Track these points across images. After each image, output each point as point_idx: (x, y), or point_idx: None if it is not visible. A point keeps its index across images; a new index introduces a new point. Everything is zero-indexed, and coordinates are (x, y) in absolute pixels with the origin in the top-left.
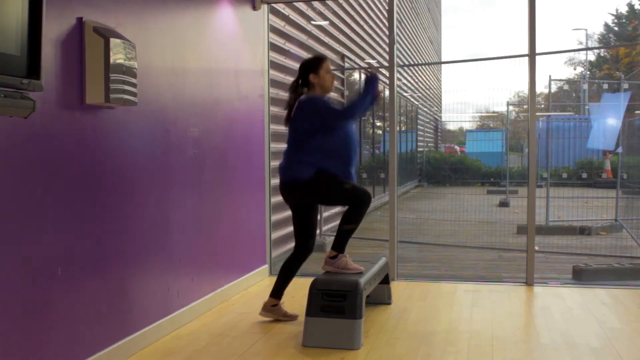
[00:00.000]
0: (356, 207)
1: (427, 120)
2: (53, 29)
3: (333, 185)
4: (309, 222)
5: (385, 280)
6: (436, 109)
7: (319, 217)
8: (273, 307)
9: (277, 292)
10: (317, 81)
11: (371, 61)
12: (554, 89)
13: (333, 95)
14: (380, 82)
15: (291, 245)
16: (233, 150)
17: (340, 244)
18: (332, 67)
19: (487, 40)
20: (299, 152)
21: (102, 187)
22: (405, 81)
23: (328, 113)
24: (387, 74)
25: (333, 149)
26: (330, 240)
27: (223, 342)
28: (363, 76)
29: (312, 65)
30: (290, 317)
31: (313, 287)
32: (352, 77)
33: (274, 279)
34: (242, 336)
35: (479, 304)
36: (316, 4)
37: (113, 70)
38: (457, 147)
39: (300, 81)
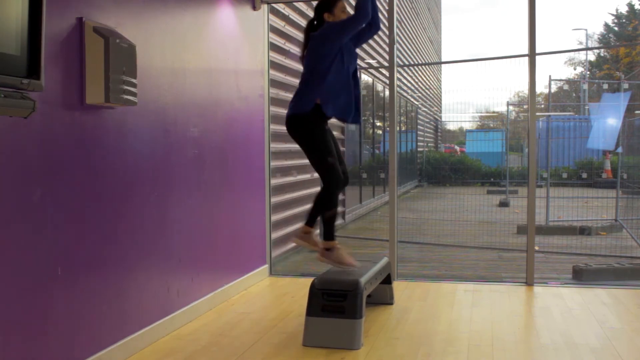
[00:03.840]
0: (325, 190)
1: (427, 120)
2: (53, 29)
3: (318, 139)
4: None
5: (387, 280)
6: (436, 109)
7: None
8: (306, 234)
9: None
10: (332, 20)
11: (371, 61)
12: (554, 89)
13: None
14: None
15: (291, 244)
16: (233, 150)
17: (329, 232)
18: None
19: (488, 41)
20: (303, 86)
21: (102, 187)
22: (405, 81)
23: (343, 24)
24: (387, 74)
25: (334, 85)
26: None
27: (223, 342)
28: (380, 88)
29: (328, 4)
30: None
31: (313, 287)
32: None
33: (274, 279)
34: (242, 336)
35: (479, 304)
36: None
37: (113, 70)
38: (457, 147)
39: (315, 22)
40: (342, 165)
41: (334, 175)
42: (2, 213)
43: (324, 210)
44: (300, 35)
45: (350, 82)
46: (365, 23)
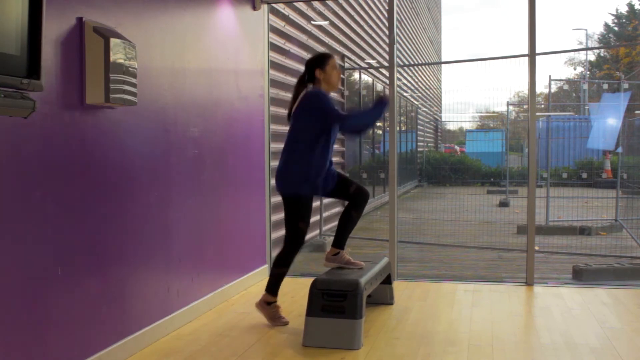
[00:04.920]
0: (284, 249)
1: (427, 120)
2: (53, 29)
3: (296, 211)
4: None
5: (387, 280)
6: (436, 109)
7: (319, 217)
8: (335, 255)
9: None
10: (323, 77)
11: (371, 61)
12: (554, 89)
13: (333, 95)
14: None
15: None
16: (233, 150)
17: (273, 288)
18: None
19: (488, 41)
20: (290, 158)
21: (102, 187)
22: (405, 81)
23: (331, 111)
24: (387, 74)
25: (316, 158)
26: (330, 240)
27: (223, 342)
28: (380, 88)
29: (319, 61)
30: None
31: (313, 287)
32: (352, 77)
33: None
34: (242, 336)
35: (479, 304)
36: (316, 4)
37: (113, 70)
38: (457, 147)
39: (306, 76)
40: (354, 185)
41: (297, 239)
42: (2, 213)
43: (284, 263)
44: (300, 36)
45: (327, 162)
46: (342, 128)
